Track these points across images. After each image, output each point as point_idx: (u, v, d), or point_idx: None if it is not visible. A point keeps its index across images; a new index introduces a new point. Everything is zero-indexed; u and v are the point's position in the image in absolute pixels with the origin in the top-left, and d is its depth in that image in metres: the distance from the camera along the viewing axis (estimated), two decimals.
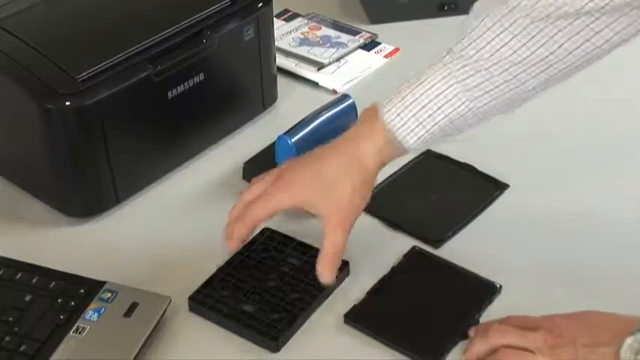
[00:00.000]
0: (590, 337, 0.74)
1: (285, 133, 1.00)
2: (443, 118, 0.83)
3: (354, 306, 0.86)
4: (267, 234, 0.94)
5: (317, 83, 1.21)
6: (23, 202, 1.01)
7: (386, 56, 1.26)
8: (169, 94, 0.99)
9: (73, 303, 0.84)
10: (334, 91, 1.19)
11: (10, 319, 0.82)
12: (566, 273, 0.90)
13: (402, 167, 1.04)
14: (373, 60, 1.25)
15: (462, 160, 1.04)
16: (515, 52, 0.80)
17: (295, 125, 1.01)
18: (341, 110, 1.03)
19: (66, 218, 0.98)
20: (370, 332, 0.84)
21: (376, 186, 1.01)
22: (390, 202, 1.00)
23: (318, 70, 1.22)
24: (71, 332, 0.82)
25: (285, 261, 0.90)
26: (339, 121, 1.03)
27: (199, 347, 0.84)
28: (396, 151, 0.85)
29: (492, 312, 0.86)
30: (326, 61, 1.23)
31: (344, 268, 0.89)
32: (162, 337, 0.84)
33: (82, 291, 0.85)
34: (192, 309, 0.87)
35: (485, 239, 0.94)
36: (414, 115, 0.83)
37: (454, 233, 0.95)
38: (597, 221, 0.97)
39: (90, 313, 0.83)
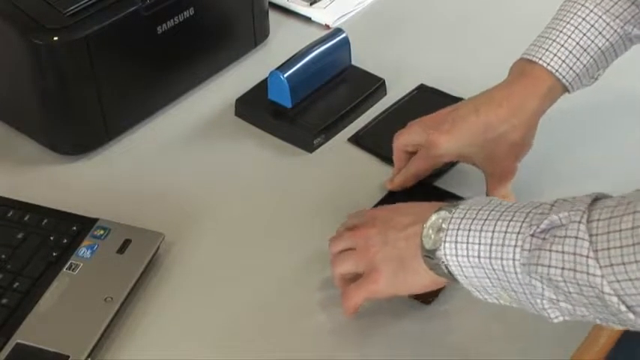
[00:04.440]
0: (400, 221, 0.75)
1: (277, 69, 0.99)
2: (596, 52, 0.85)
3: None
4: None
5: (309, 18, 1.19)
6: (13, 140, 1.00)
7: None
8: (159, 29, 0.97)
9: (65, 240, 0.84)
10: (327, 26, 1.17)
11: (3, 256, 0.82)
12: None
13: (396, 102, 1.04)
14: None
15: (455, 95, 1.03)
16: None
17: (287, 61, 1.00)
18: (334, 45, 1.02)
19: (57, 156, 0.97)
20: None
21: (370, 121, 1.02)
22: (384, 137, 0.99)
23: (311, 4, 1.20)
24: (64, 269, 0.81)
25: None
26: (332, 56, 1.02)
27: (193, 285, 0.84)
28: (555, 93, 0.86)
29: None
30: None
31: None
32: (155, 274, 0.84)
33: (75, 228, 0.85)
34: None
35: (479, 171, 0.94)
36: (570, 52, 0.84)
37: (450, 167, 0.95)
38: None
39: (83, 250, 0.83)
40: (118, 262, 0.82)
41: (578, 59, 0.85)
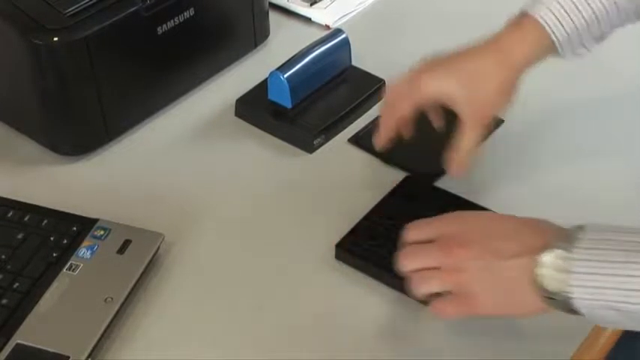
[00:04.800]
0: (501, 248, 0.70)
1: (277, 69, 0.99)
2: (590, 14, 0.84)
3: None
4: (411, 183, 0.92)
5: (310, 19, 1.19)
6: (13, 140, 1.00)
7: None
8: (159, 30, 0.97)
9: (65, 241, 0.84)
10: (327, 27, 1.17)
11: (3, 256, 0.82)
12: (560, 199, 0.90)
13: None
14: None
15: None
16: None
17: (288, 61, 1.00)
18: (334, 45, 1.02)
19: (57, 156, 0.97)
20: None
21: (370, 122, 1.02)
22: None
23: (311, 5, 1.20)
24: (64, 270, 0.81)
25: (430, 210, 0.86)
26: (332, 56, 1.02)
27: (193, 285, 0.84)
28: (544, 48, 0.85)
29: None
30: None
31: None
32: (155, 274, 0.84)
33: (75, 229, 0.85)
34: (338, 256, 0.85)
35: (480, 173, 0.94)
36: (562, 7, 0.84)
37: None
38: (591, 155, 0.97)
39: (83, 251, 0.83)
40: (118, 262, 0.82)
41: (569, 16, 0.84)
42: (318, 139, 0.98)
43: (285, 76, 0.98)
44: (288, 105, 1.00)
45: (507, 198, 0.91)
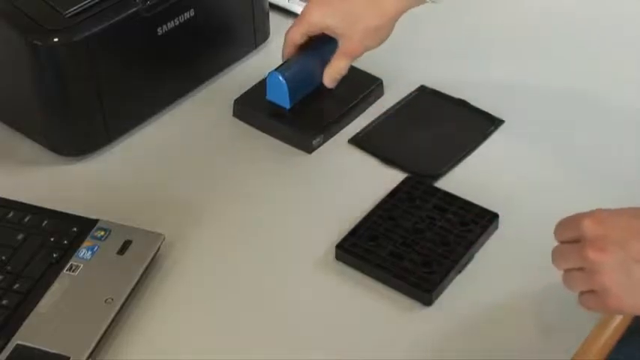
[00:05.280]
0: (638, 249, 0.69)
1: (275, 70, 0.99)
2: None
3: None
4: (411, 183, 0.91)
5: None
6: (14, 141, 1.00)
7: None
8: (159, 31, 0.97)
9: (66, 241, 0.84)
10: None
11: (3, 257, 0.82)
12: (563, 201, 0.90)
13: (396, 104, 1.04)
14: None
15: (456, 96, 1.03)
16: None
17: (286, 61, 1.00)
18: (333, 44, 1.02)
19: (57, 157, 0.97)
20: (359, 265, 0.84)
21: (370, 122, 1.02)
22: (384, 139, 0.99)
23: None
24: (64, 270, 0.81)
25: (431, 211, 0.88)
26: (330, 56, 1.02)
27: (193, 285, 0.84)
28: None
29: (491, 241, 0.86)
30: None
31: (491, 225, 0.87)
32: (155, 275, 0.84)
33: (75, 229, 0.85)
34: (338, 257, 0.85)
35: (480, 175, 0.94)
36: None
37: (449, 169, 0.95)
38: (594, 153, 0.97)
39: (83, 252, 0.83)
40: (119, 263, 0.82)
41: None
42: (317, 139, 0.98)
43: (284, 76, 0.98)
44: (287, 105, 1.00)
45: (507, 198, 0.91)
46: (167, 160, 0.98)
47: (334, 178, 0.96)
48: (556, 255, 0.75)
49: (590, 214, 0.72)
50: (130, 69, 0.97)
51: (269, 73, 1.00)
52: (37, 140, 0.98)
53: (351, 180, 0.95)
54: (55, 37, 0.89)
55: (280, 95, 1.00)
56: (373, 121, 1.02)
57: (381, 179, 0.93)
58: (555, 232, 0.75)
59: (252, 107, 1.02)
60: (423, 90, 1.05)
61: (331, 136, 1.00)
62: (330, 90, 1.02)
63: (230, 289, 0.84)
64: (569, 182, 0.94)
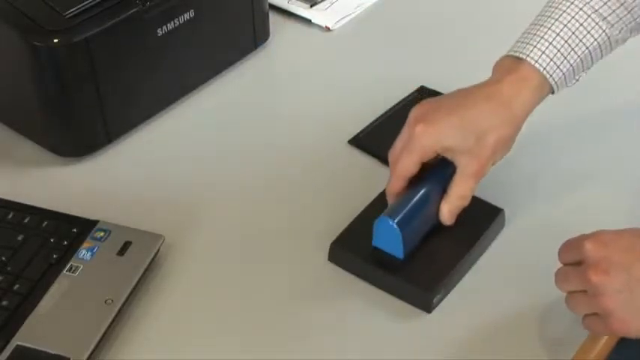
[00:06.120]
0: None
1: (385, 214, 0.82)
2: (584, 51, 0.84)
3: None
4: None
5: (310, 20, 1.19)
6: (13, 142, 1.00)
7: None
8: (159, 31, 0.97)
9: (65, 242, 0.84)
10: (327, 28, 1.17)
11: (3, 258, 0.82)
12: (559, 205, 0.90)
13: (396, 104, 1.04)
14: None
15: None
16: None
17: (395, 203, 0.84)
18: (448, 169, 0.84)
19: (57, 158, 0.97)
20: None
21: (370, 123, 1.02)
22: (384, 139, 0.99)
23: (311, 6, 1.20)
24: (64, 271, 0.81)
25: None
26: (446, 184, 0.84)
27: (193, 286, 0.84)
28: (543, 92, 0.84)
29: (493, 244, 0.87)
30: None
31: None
32: (155, 276, 0.84)
33: (75, 230, 0.85)
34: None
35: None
36: (558, 51, 0.83)
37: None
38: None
39: (83, 252, 0.83)
40: (119, 263, 0.82)
41: (565, 58, 0.83)
42: (438, 296, 0.82)
43: (397, 222, 0.80)
44: (400, 256, 0.82)
45: (507, 198, 0.91)
46: (167, 161, 0.98)
47: (335, 178, 0.96)
48: (559, 277, 0.74)
49: (592, 236, 0.71)
50: (130, 70, 0.97)
51: (379, 218, 0.82)
52: (37, 141, 0.98)
53: (352, 181, 0.95)
54: (55, 38, 0.89)
55: (392, 244, 0.82)
56: (373, 121, 1.02)
57: (381, 179, 0.93)
58: (559, 254, 0.74)
59: (354, 253, 0.84)
60: (422, 90, 1.05)
61: (452, 288, 0.83)
62: (445, 229, 0.85)
63: (229, 290, 0.84)
64: (568, 189, 0.93)
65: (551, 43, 0.83)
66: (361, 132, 1.01)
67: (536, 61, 0.83)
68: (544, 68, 0.83)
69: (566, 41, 0.83)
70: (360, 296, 0.83)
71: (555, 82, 0.84)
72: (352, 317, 0.81)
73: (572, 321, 0.78)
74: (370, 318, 0.81)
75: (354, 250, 0.83)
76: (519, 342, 0.79)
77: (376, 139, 0.99)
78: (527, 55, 0.83)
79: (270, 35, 1.13)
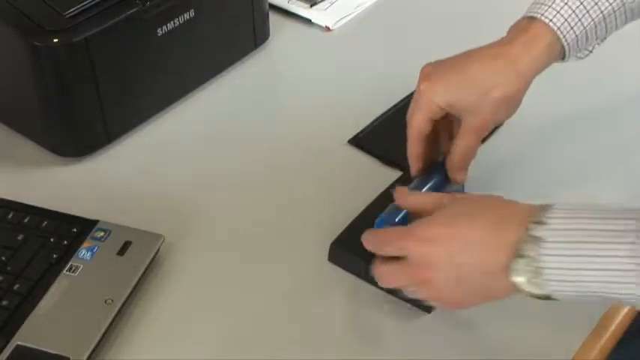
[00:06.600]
0: (464, 263, 0.70)
1: (385, 214, 0.81)
2: (598, 15, 0.82)
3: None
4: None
5: (310, 20, 1.19)
6: (13, 141, 1.00)
7: None
8: (159, 31, 0.97)
9: (65, 242, 0.84)
10: (327, 28, 1.17)
11: (3, 258, 0.82)
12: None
13: (397, 104, 1.04)
14: None
15: None
16: None
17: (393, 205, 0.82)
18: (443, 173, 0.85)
19: (57, 158, 0.97)
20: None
21: (370, 122, 1.02)
22: (384, 139, 0.99)
23: (311, 6, 1.20)
24: (64, 271, 0.81)
25: None
26: (441, 189, 0.85)
27: (193, 286, 0.84)
28: (553, 53, 0.82)
29: None
30: None
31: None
32: (155, 276, 0.84)
33: (75, 230, 0.85)
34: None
35: (480, 174, 0.94)
36: (573, 12, 0.81)
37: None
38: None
39: (83, 252, 0.83)
40: (119, 263, 0.82)
41: (580, 20, 0.82)
42: None
43: (396, 221, 0.80)
44: None
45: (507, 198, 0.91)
46: (167, 161, 0.98)
47: (334, 178, 0.96)
48: (380, 277, 0.75)
49: (410, 230, 0.73)
50: (130, 69, 0.97)
51: (378, 218, 0.81)
52: (36, 141, 0.98)
53: (352, 180, 0.95)
54: (55, 38, 0.89)
55: None
56: (373, 121, 1.02)
57: (381, 179, 0.93)
58: (374, 244, 0.75)
59: (354, 253, 0.84)
60: None
61: None
62: None
63: (229, 290, 0.84)
64: (567, 185, 0.93)
65: (566, 4, 0.82)
66: (361, 132, 1.01)
67: (551, 20, 0.81)
68: (558, 28, 0.81)
69: (581, 3, 0.82)
70: (360, 296, 0.83)
71: (568, 44, 0.82)
72: (352, 317, 0.81)
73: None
74: (370, 318, 0.81)
75: (354, 250, 0.81)
76: (519, 342, 0.79)
77: (376, 139, 0.99)
78: (542, 15, 0.82)
79: (270, 35, 1.14)
